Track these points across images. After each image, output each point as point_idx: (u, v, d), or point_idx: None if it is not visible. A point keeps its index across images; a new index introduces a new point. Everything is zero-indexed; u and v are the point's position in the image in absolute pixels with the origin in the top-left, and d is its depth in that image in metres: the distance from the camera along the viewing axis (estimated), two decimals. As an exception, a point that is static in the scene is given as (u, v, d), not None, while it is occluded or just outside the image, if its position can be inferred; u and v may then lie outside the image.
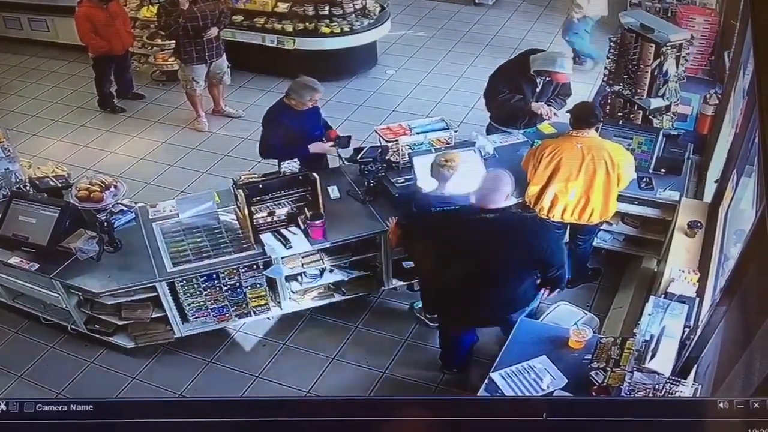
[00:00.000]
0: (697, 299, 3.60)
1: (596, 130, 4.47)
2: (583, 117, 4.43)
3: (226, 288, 4.52)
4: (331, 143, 5.11)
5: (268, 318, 4.77)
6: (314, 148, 5.06)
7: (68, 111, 7.39)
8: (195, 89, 6.85)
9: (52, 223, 4.42)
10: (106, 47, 6.98)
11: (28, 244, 4.42)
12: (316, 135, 5.07)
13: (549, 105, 5.23)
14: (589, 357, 3.53)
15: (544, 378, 3.45)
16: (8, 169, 4.87)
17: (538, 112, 5.18)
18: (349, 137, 5.16)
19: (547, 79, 5.11)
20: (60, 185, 4.87)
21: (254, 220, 4.49)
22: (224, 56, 6.87)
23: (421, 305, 4.75)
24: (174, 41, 6.82)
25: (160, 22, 6.74)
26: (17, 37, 8.64)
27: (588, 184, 4.35)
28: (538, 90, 5.16)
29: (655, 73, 5.22)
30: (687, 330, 3.28)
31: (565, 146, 4.37)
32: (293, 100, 4.94)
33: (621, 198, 4.67)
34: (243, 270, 4.50)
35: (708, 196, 4.66)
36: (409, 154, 4.88)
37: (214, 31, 6.60)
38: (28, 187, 4.86)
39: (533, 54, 5.13)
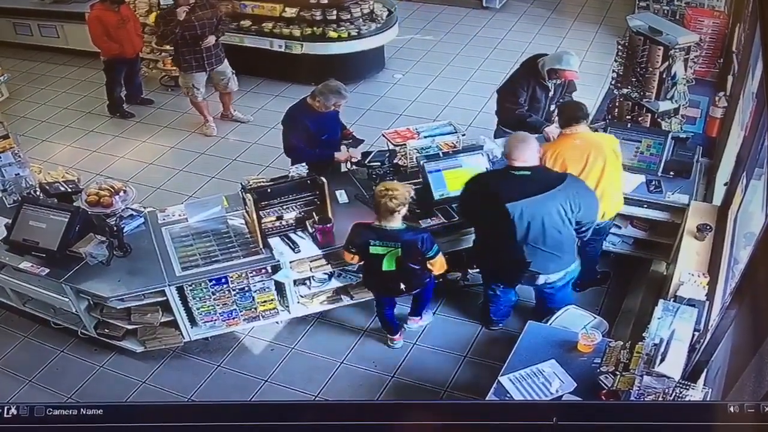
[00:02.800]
0: (707, 302, 3.58)
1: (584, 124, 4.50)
2: (572, 114, 4.46)
3: (234, 292, 4.53)
4: (346, 143, 5.14)
5: (277, 322, 4.78)
6: (339, 156, 5.10)
7: (78, 116, 7.44)
8: (196, 96, 6.88)
9: (62, 228, 4.43)
10: (117, 50, 7.04)
11: (39, 249, 4.44)
12: (326, 139, 5.07)
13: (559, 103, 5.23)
14: (599, 361, 3.52)
15: (553, 382, 3.44)
16: (18, 174, 4.90)
17: (551, 137, 5.13)
18: (362, 141, 5.23)
19: (558, 82, 5.13)
20: (70, 190, 4.89)
21: (263, 225, 4.50)
22: (226, 62, 6.86)
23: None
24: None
25: (158, 32, 6.80)
26: (27, 43, 8.72)
27: (599, 177, 4.33)
28: (551, 94, 5.18)
29: (664, 76, 5.21)
30: (697, 333, 3.26)
31: (564, 145, 4.38)
32: (318, 102, 4.95)
33: (630, 201, 4.66)
34: (251, 274, 4.51)
35: (717, 199, 4.64)
36: (417, 157, 4.88)
37: (211, 40, 6.60)
38: (38, 193, 4.89)
39: (537, 59, 5.13)
